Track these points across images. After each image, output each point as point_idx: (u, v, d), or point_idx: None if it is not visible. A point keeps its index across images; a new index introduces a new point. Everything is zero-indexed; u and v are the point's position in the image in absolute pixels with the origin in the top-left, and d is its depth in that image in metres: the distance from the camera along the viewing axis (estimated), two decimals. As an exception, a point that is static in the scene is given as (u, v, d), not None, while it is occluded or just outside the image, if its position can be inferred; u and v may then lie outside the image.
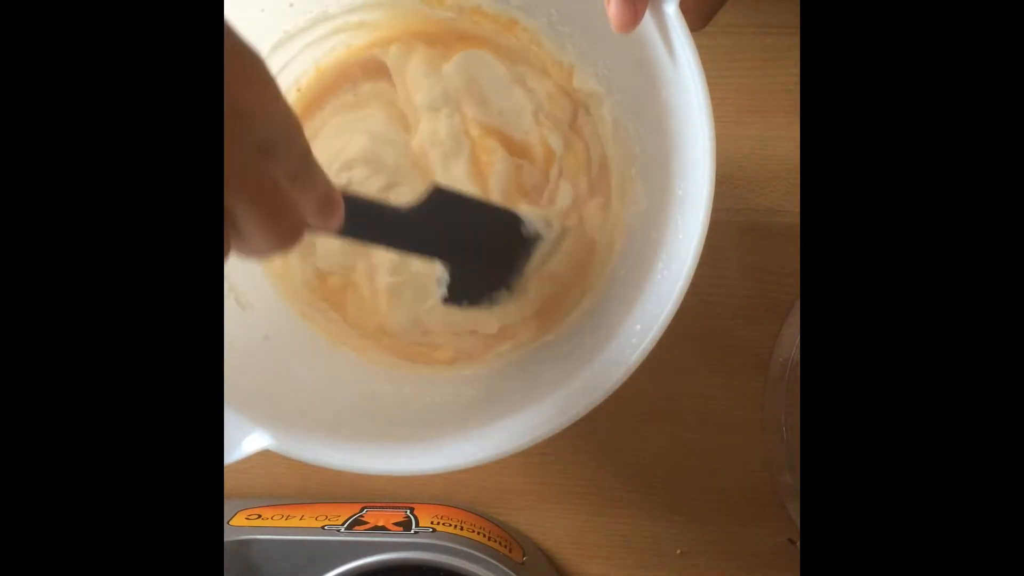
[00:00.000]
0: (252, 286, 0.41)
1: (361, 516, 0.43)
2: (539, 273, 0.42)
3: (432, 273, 0.41)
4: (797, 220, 0.44)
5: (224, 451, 0.31)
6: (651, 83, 0.34)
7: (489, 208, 0.39)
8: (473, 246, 0.38)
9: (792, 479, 0.43)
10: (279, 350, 0.40)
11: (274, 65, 0.40)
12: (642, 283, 0.35)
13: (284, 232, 0.25)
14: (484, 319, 0.42)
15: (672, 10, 0.30)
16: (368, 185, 0.41)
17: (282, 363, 0.40)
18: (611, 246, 0.42)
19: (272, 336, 0.40)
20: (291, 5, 0.39)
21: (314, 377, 0.41)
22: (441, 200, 0.36)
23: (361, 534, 0.41)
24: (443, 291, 0.39)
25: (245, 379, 0.35)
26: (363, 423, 0.38)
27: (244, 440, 0.32)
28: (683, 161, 0.33)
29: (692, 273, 0.31)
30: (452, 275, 0.39)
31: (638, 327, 0.33)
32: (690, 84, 0.31)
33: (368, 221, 0.33)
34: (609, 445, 0.45)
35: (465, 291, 0.39)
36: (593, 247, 0.43)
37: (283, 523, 0.42)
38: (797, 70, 0.43)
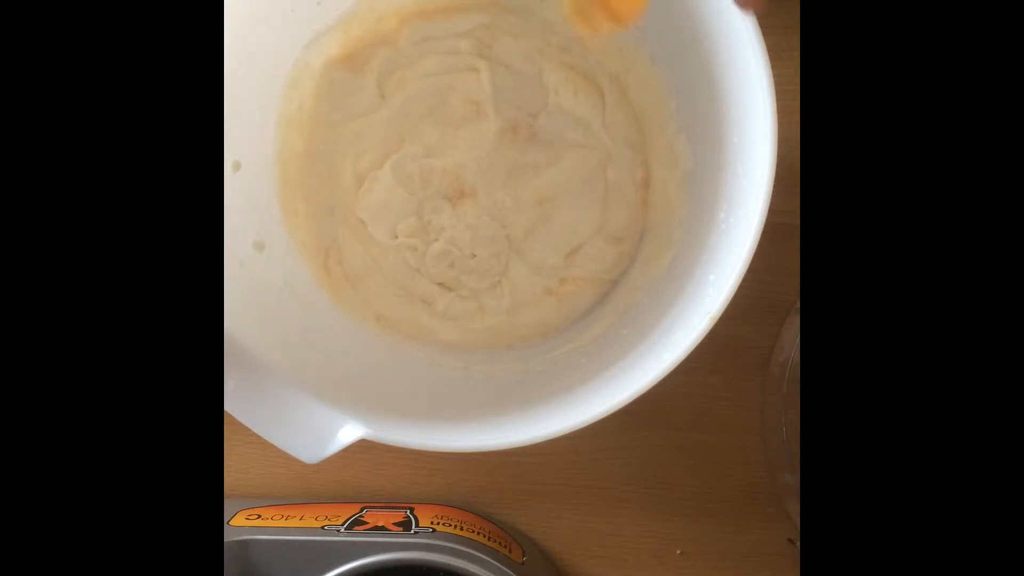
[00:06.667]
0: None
1: (361, 516, 0.43)
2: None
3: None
4: (797, 220, 0.44)
5: (322, 445, 0.32)
6: (690, 30, 0.34)
7: None
8: None
9: (792, 479, 0.43)
10: (357, 345, 0.42)
11: (301, 63, 0.42)
12: (706, 237, 0.35)
13: None
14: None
15: None
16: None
17: (359, 357, 0.41)
18: (669, 205, 0.42)
19: (350, 334, 0.42)
20: (318, 4, 0.40)
21: (386, 367, 0.42)
22: None
23: (361, 534, 0.41)
24: None
25: (330, 375, 0.36)
26: (435, 407, 0.39)
27: (340, 431, 0.32)
28: (734, 107, 0.33)
29: (764, 218, 0.31)
30: None
31: (712, 278, 0.33)
32: (737, 22, 0.30)
33: None
34: (609, 445, 0.45)
35: None
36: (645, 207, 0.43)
37: (283, 523, 0.42)
38: (797, 70, 0.42)
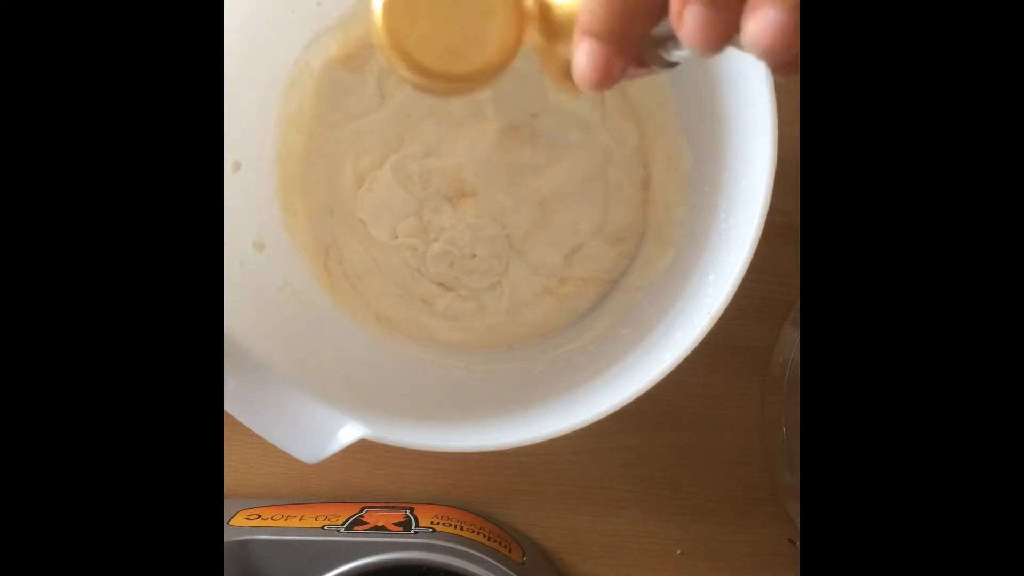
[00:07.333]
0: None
1: (361, 516, 0.43)
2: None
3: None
4: (797, 220, 0.44)
5: (322, 445, 0.32)
6: None
7: None
8: None
9: (792, 479, 0.43)
10: (357, 345, 0.42)
11: (301, 63, 0.42)
12: (706, 237, 0.35)
13: None
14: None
15: None
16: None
17: (359, 357, 0.42)
18: (669, 205, 0.42)
19: (350, 334, 0.42)
20: (318, 4, 0.40)
21: (386, 367, 0.42)
22: None
23: (361, 534, 0.41)
24: None
25: (330, 375, 0.37)
26: (435, 407, 0.39)
27: (340, 431, 0.32)
28: (734, 107, 0.33)
29: (764, 218, 0.31)
30: None
31: (712, 278, 0.33)
32: None
33: None
34: (608, 445, 0.45)
35: None
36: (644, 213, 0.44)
37: (283, 523, 0.42)
38: (797, 70, 0.43)
